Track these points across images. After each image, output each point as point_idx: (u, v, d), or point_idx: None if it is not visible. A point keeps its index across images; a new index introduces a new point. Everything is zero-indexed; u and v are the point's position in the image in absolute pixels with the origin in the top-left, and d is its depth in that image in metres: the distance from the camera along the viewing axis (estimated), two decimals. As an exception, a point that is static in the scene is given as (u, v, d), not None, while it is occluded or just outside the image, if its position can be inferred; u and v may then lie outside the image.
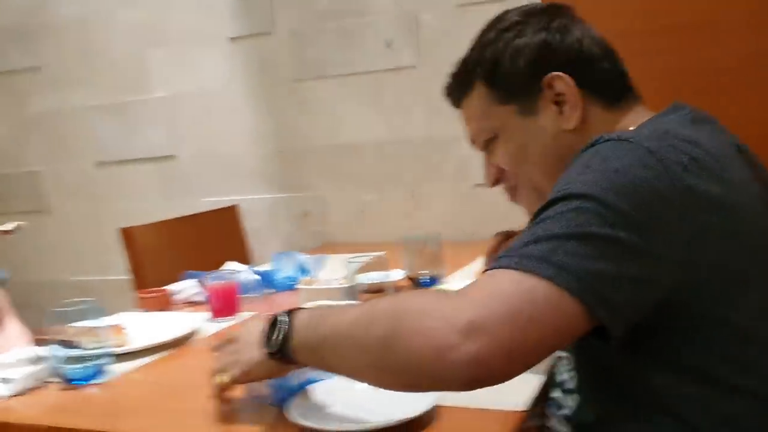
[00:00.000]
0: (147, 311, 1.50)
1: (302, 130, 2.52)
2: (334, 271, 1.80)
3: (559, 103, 0.94)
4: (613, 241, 0.69)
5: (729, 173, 0.77)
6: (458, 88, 1.05)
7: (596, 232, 0.69)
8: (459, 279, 1.65)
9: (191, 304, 1.63)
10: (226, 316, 1.45)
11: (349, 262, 1.37)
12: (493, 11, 1.03)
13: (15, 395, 1.08)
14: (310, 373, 0.95)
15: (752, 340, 0.77)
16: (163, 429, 0.94)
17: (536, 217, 0.75)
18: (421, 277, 1.63)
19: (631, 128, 0.85)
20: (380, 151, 2.42)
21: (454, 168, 2.32)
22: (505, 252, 0.72)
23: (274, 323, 0.87)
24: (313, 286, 1.44)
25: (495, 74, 0.97)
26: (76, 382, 1.11)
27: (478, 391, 0.65)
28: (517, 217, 2.18)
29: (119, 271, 2.13)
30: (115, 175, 2.78)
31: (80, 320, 1.13)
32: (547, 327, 0.68)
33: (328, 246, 2.49)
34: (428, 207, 2.38)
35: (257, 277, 1.72)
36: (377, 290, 1.39)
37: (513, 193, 1.06)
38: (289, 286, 1.74)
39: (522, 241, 0.72)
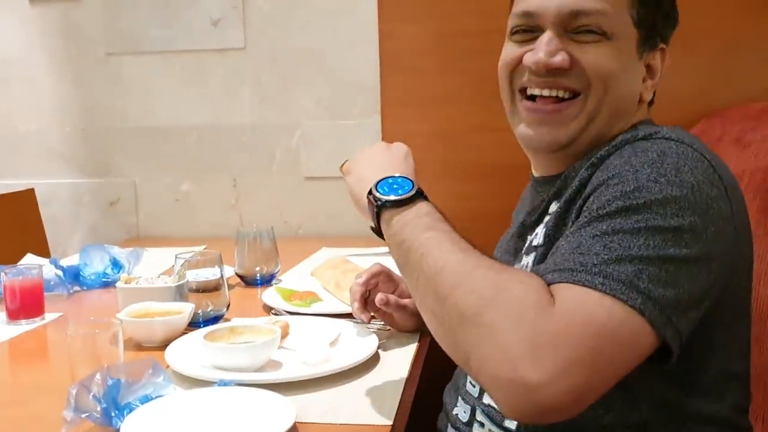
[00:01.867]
0: None
1: (112, 108, 2.28)
2: (151, 268, 1.64)
3: (649, 72, 0.90)
4: (688, 264, 0.69)
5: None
6: None
7: (674, 255, 0.68)
8: (295, 277, 1.57)
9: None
10: (28, 317, 1.24)
11: (177, 257, 1.23)
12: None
13: None
14: (145, 389, 0.82)
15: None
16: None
17: (604, 216, 0.71)
18: (254, 275, 1.53)
19: (665, 127, 0.83)
20: (201, 136, 2.25)
21: (283, 159, 2.22)
22: (579, 261, 0.68)
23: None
24: (134, 285, 1.27)
25: None
26: None
27: (341, 404, 0.59)
28: (345, 215, 2.16)
29: None
30: None
31: None
32: (623, 365, 0.66)
33: (139, 239, 2.28)
34: (252, 199, 2.26)
35: (59, 272, 1.51)
36: (209, 289, 1.26)
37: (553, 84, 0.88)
38: (101, 284, 1.55)
39: (597, 251, 0.68)
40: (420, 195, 0.83)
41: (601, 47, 0.85)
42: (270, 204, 2.24)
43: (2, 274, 1.27)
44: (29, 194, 2.24)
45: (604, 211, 0.72)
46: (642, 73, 0.90)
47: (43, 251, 2.12)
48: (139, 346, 1.10)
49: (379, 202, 0.83)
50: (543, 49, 0.85)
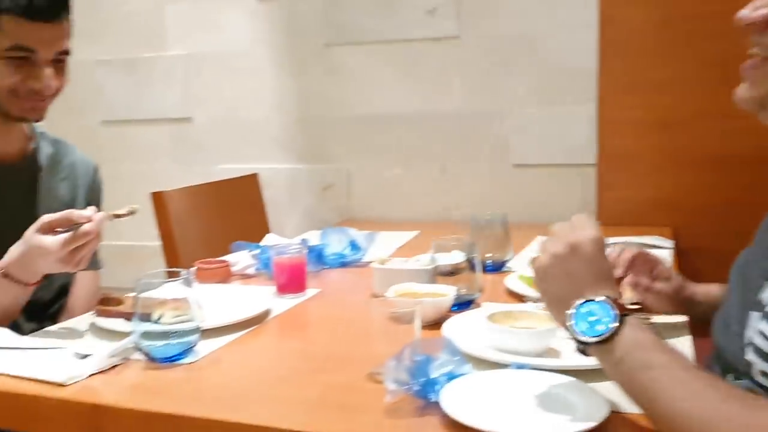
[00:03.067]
0: (206, 283, 1.39)
1: (329, 97, 2.41)
2: (382, 250, 1.72)
3: None
4: None
5: None
6: None
7: None
8: (524, 264, 1.58)
9: (245, 276, 1.53)
10: (294, 292, 1.35)
11: (436, 243, 1.28)
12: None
13: (94, 373, 0.97)
14: (446, 366, 0.87)
15: None
16: (271, 417, 0.84)
17: None
18: (484, 261, 1.56)
19: None
20: (412, 124, 2.32)
21: (492, 146, 2.24)
22: None
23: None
24: (389, 266, 1.34)
25: None
26: (161, 361, 1.01)
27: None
28: (556, 202, 2.15)
29: (131, 236, 2.00)
30: (122, 135, 2.63)
31: (162, 291, 1.02)
32: None
33: (351, 222, 2.39)
34: (459, 186, 2.30)
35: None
36: (452, 272, 1.30)
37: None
38: (340, 263, 1.65)
39: None
40: (622, 321, 0.75)
41: None
42: (477, 190, 2.27)
43: (271, 251, 1.39)
44: (253, 179, 2.42)
45: None
46: None
47: (264, 231, 2.29)
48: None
49: (580, 345, 0.78)
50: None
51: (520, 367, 0.90)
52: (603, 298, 0.77)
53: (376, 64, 2.33)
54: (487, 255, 1.56)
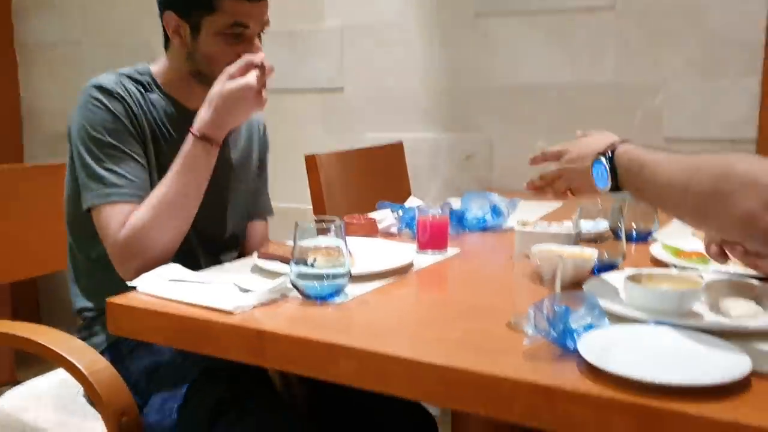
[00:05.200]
0: (353, 237, 1.48)
1: (477, 68, 2.43)
2: (525, 217, 1.74)
3: None
4: None
5: None
6: None
7: None
8: (670, 235, 1.55)
9: (388, 234, 1.60)
10: (435, 248, 1.41)
11: (581, 207, 1.29)
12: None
13: (257, 305, 1.08)
14: (585, 318, 0.90)
15: None
16: (415, 352, 0.90)
17: None
18: (630, 231, 1.54)
19: None
20: (560, 95, 2.30)
21: (643, 119, 2.18)
22: None
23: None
24: (532, 229, 1.37)
25: None
26: (314, 298, 1.10)
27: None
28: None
29: (285, 198, 2.12)
30: (279, 103, 2.79)
31: (316, 238, 1.11)
32: None
33: (492, 192, 2.41)
34: (606, 159, 2.26)
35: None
36: (602, 239, 1.30)
37: None
38: (481, 227, 1.69)
39: None
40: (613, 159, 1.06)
41: None
42: (625, 165, 2.22)
43: (414, 210, 1.45)
44: (398, 147, 2.50)
45: None
46: None
47: (407, 197, 2.36)
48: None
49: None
50: None
51: (660, 323, 0.91)
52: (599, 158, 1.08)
53: (527, 35, 2.32)
54: (633, 225, 1.54)
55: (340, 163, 2.16)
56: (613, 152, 1.05)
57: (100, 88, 1.35)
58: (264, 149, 1.68)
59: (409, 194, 2.43)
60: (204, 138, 1.32)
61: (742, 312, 0.95)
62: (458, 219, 1.68)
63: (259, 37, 1.43)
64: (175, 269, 1.25)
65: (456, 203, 1.79)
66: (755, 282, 1.10)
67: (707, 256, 1.34)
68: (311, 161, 1.99)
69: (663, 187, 0.95)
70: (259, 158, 1.66)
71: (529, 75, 2.34)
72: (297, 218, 1.12)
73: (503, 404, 0.82)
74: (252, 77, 1.30)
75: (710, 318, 0.96)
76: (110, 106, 1.34)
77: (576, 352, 0.84)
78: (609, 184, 1.06)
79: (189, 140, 1.32)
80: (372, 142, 2.47)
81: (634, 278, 1.03)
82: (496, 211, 1.71)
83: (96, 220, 1.33)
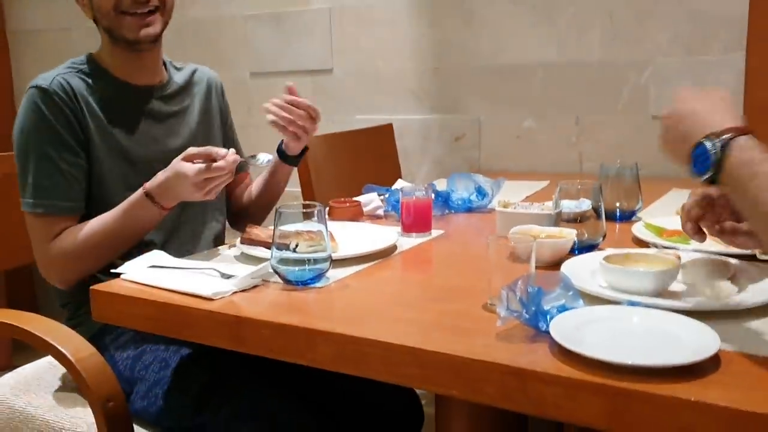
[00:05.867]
0: (339, 221, 1.49)
1: (464, 47, 2.42)
2: (508, 197, 1.74)
3: None
4: None
5: None
6: None
7: None
8: (653, 215, 1.55)
9: (375, 217, 1.61)
10: (419, 231, 1.42)
11: (561, 187, 1.29)
12: None
13: (237, 291, 1.09)
14: (558, 299, 0.91)
15: None
16: (391, 335, 0.91)
17: None
18: (614, 210, 1.55)
19: None
20: (547, 74, 2.30)
21: (629, 97, 2.18)
22: None
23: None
24: (512, 210, 1.38)
25: None
26: (295, 283, 1.11)
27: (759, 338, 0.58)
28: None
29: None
30: (269, 85, 2.78)
31: (298, 223, 1.12)
32: None
33: (480, 173, 2.41)
34: (594, 137, 2.26)
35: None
36: (584, 219, 1.31)
37: None
38: (466, 208, 1.69)
39: None
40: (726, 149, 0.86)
41: None
42: (612, 143, 2.22)
43: (399, 192, 1.46)
44: (388, 128, 2.50)
45: None
46: None
47: (396, 178, 2.37)
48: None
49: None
50: None
51: (633, 304, 0.92)
52: (707, 141, 0.87)
53: (513, 14, 2.31)
54: (616, 204, 1.55)
55: (328, 145, 2.17)
56: (728, 141, 0.86)
57: (38, 89, 1.37)
58: (226, 109, 1.72)
59: (399, 176, 2.43)
60: (149, 197, 1.34)
61: (718, 293, 0.96)
62: (444, 200, 1.69)
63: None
64: (159, 256, 1.26)
65: (442, 184, 1.80)
66: (732, 261, 1.11)
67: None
68: (298, 145, 1.98)
69: (763, 211, 0.82)
70: (222, 119, 1.69)
71: (517, 55, 2.33)
72: (286, 201, 1.13)
73: (476, 386, 0.83)
74: (189, 167, 1.28)
75: (685, 298, 0.97)
76: (45, 109, 1.36)
77: (548, 333, 0.85)
78: (708, 175, 0.87)
79: (139, 191, 1.35)
80: (362, 124, 2.47)
81: (610, 258, 1.04)
82: (481, 192, 1.71)
83: (27, 225, 1.39)
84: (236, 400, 1.21)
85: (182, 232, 1.51)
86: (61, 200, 1.37)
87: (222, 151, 1.29)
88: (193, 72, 1.64)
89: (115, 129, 1.43)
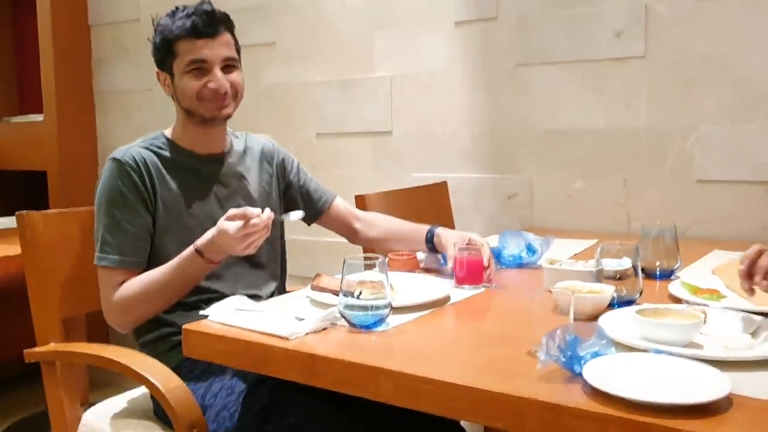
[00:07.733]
0: (396, 271, 1.64)
1: (518, 113, 2.58)
2: (558, 255, 1.87)
3: None
4: None
5: None
6: None
7: None
8: (692, 273, 1.65)
9: (429, 270, 1.76)
10: (471, 283, 1.56)
11: (602, 247, 1.42)
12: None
13: (309, 332, 1.25)
14: (593, 347, 1.03)
15: None
16: (444, 374, 1.04)
17: None
18: (654, 269, 1.66)
19: None
20: (596, 138, 2.43)
21: (675, 161, 2.29)
22: None
23: None
24: (559, 267, 1.50)
25: None
26: (359, 327, 1.26)
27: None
28: (739, 219, 2.16)
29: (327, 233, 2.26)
30: (333, 145, 2.99)
31: (362, 273, 1.28)
32: None
33: (532, 231, 2.53)
34: (641, 199, 2.37)
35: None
36: (623, 277, 1.43)
37: None
38: (516, 264, 1.82)
39: None
40: None
41: None
42: (659, 204, 2.33)
43: (455, 246, 1.61)
44: (443, 186, 2.66)
45: None
46: None
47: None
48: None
49: None
50: None
51: (658, 352, 1.03)
52: None
53: (564, 83, 2.47)
54: (656, 263, 1.66)
55: (387, 202, 2.33)
56: None
57: (114, 160, 1.63)
58: (281, 163, 1.91)
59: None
60: (199, 252, 1.54)
61: (737, 344, 1.07)
62: (495, 256, 1.82)
63: (229, 70, 1.66)
64: (240, 300, 1.43)
65: (494, 241, 1.93)
66: (757, 318, 1.21)
67: (720, 293, 1.46)
68: (360, 201, 2.16)
69: None
70: (286, 181, 1.91)
71: (567, 120, 2.48)
72: (347, 253, 1.29)
73: (518, 419, 0.97)
74: (229, 225, 1.47)
75: (706, 348, 1.08)
76: (117, 177, 1.61)
77: (582, 375, 0.98)
78: None
79: (190, 248, 1.55)
80: (418, 182, 2.64)
81: (642, 312, 1.16)
82: (530, 249, 1.84)
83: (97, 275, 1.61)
84: (293, 416, 1.34)
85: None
86: (123, 255, 1.58)
87: (256, 210, 1.49)
88: (247, 138, 1.88)
89: (183, 192, 1.66)
